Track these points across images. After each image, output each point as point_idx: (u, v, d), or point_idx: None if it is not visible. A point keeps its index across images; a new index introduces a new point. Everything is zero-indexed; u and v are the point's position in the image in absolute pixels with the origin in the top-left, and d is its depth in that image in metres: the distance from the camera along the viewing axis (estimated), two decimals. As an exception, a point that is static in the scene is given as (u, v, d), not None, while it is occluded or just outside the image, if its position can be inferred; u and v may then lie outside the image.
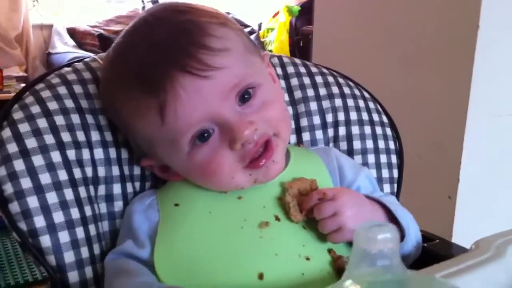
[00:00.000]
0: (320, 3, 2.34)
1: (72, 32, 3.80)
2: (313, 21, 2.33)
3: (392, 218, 0.84)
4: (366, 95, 1.10)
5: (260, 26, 3.77)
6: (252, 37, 3.54)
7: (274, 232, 0.79)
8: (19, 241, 0.82)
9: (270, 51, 3.54)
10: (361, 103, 1.08)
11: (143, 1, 3.97)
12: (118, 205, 0.90)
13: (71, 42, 3.82)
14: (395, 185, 1.05)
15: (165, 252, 0.79)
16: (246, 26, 3.74)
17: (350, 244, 0.80)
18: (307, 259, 0.78)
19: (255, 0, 3.92)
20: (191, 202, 0.84)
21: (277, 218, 0.81)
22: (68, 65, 0.95)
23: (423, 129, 1.98)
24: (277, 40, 3.32)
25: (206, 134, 0.79)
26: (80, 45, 3.78)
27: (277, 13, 3.65)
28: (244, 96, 0.80)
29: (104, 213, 0.88)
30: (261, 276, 0.75)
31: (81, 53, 3.73)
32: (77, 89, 0.89)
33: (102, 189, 0.88)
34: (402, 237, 0.82)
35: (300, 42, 3.35)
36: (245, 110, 0.80)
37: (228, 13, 3.83)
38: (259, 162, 0.80)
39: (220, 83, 0.77)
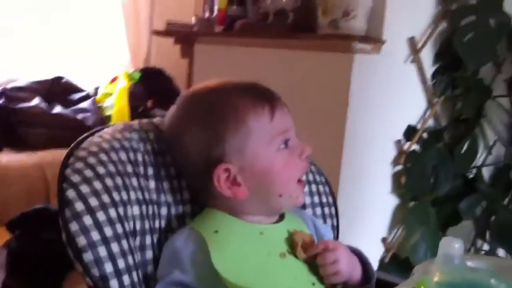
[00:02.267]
0: (199, 67, 2.63)
1: None
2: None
3: (361, 261, 1.11)
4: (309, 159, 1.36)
5: (96, 90, 3.91)
6: (89, 102, 3.66)
7: (290, 262, 1.04)
8: (91, 285, 0.96)
9: (109, 116, 3.69)
10: None
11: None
12: (149, 254, 1.05)
13: None
14: (336, 231, 1.35)
15: (221, 261, 0.98)
16: (81, 90, 3.84)
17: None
18: (313, 284, 1.03)
19: (90, 65, 4.04)
20: (227, 230, 1.04)
21: (288, 252, 1.05)
22: (92, 134, 1.12)
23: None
24: (117, 105, 3.49)
25: (288, 144, 1.08)
26: None
27: (115, 78, 3.84)
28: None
29: (139, 260, 1.03)
30: None
31: None
32: (113, 156, 1.06)
33: (137, 240, 1.04)
34: (370, 276, 1.10)
35: (139, 107, 3.59)
36: None
37: (61, 78, 3.92)
38: (302, 183, 1.10)
39: (291, 119, 1.11)
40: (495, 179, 2.66)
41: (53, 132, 3.44)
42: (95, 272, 0.95)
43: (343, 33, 2.24)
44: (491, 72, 2.67)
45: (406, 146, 2.40)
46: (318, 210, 1.31)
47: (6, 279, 2.30)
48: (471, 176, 2.56)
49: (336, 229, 1.34)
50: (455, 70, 2.47)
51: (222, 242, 1.02)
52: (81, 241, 0.95)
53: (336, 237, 1.33)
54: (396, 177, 2.41)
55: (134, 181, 1.06)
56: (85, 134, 1.12)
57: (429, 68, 2.47)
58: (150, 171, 1.11)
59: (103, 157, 1.04)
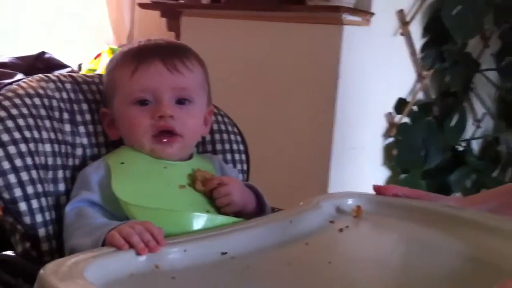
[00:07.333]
0: (186, 40, 2.58)
1: None
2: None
3: (256, 196, 1.24)
4: (222, 112, 1.48)
5: (80, 67, 3.86)
6: (72, 77, 3.60)
7: (188, 192, 1.16)
8: (2, 206, 1.11)
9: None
10: (219, 118, 1.45)
11: None
12: (61, 186, 1.20)
13: None
14: (246, 175, 1.46)
15: (120, 185, 1.12)
16: (65, 66, 3.79)
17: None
18: (207, 211, 1.14)
19: (72, 41, 3.99)
20: (132, 162, 1.18)
21: (189, 185, 1.17)
22: (10, 83, 1.23)
23: (291, 161, 2.36)
24: (102, 81, 3.45)
25: (146, 102, 1.17)
26: None
27: (98, 55, 3.80)
28: (181, 100, 1.19)
29: (51, 191, 1.18)
30: None
31: None
32: (27, 100, 1.19)
33: (50, 174, 1.19)
34: (264, 208, 1.24)
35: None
36: (176, 107, 1.18)
37: (44, 53, 3.87)
38: (161, 138, 1.17)
39: (176, 80, 1.19)
40: (484, 152, 2.68)
41: (37, 109, 3.39)
42: (6, 195, 1.10)
43: (332, 5, 2.23)
44: (479, 46, 2.68)
45: (396, 118, 2.40)
46: (229, 156, 1.43)
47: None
48: (460, 149, 2.58)
49: (246, 173, 1.46)
50: (443, 43, 2.48)
51: (125, 171, 1.16)
52: None
53: (246, 180, 1.43)
54: (387, 149, 2.42)
55: (47, 123, 1.21)
56: (4, 83, 1.24)
57: (418, 41, 2.48)
58: (66, 116, 1.25)
59: (17, 101, 1.18)
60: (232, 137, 1.45)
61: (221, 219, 1.10)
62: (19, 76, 3.52)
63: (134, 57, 1.20)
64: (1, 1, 3.73)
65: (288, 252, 1.00)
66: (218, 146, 1.42)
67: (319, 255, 0.99)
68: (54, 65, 3.81)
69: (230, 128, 1.46)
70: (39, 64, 3.78)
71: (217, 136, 1.43)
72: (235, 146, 1.45)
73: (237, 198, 1.18)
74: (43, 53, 3.85)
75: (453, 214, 1.12)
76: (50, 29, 3.84)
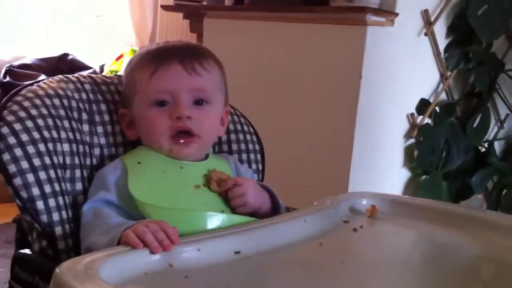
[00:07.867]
0: (208, 42, 2.63)
1: None
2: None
3: (271, 197, 1.25)
4: (238, 112, 1.49)
5: (102, 68, 3.90)
6: (95, 78, 3.62)
7: (203, 192, 1.18)
8: (20, 205, 1.12)
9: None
10: (235, 118, 1.47)
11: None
12: (79, 185, 1.22)
13: None
14: (261, 175, 1.48)
15: (136, 185, 1.14)
16: (88, 67, 3.82)
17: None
18: (222, 211, 1.15)
19: (94, 42, 4.02)
20: (150, 162, 1.20)
21: (204, 185, 1.19)
22: (31, 84, 1.24)
23: (312, 161, 2.35)
24: (124, 82, 3.47)
25: (164, 103, 1.19)
26: None
27: (120, 56, 3.83)
28: (198, 101, 1.21)
29: (69, 190, 1.20)
30: None
31: None
32: (47, 101, 1.21)
33: (68, 173, 1.20)
34: (279, 208, 1.25)
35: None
36: (193, 108, 1.20)
37: (67, 55, 3.91)
38: (179, 139, 1.19)
39: (193, 81, 1.21)
40: (506, 153, 2.65)
41: (60, 109, 3.41)
42: (24, 194, 1.12)
43: (356, 6, 2.22)
44: (504, 46, 2.65)
45: (418, 119, 2.38)
46: (244, 156, 1.45)
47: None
48: (483, 150, 2.55)
49: (261, 172, 1.48)
50: (468, 44, 2.45)
51: (141, 171, 1.18)
52: (12, 168, 1.12)
53: (261, 180, 1.46)
54: (408, 150, 2.40)
55: (66, 123, 1.22)
56: (26, 83, 1.26)
57: (442, 41, 2.45)
58: (84, 116, 1.26)
59: (37, 101, 1.19)
60: (248, 137, 1.47)
61: (235, 218, 1.11)
62: (43, 77, 3.53)
63: (153, 59, 1.22)
64: (1, 1, 3.80)
65: (301, 251, 1.00)
66: (234, 146, 1.44)
67: (333, 255, 1.00)
68: (77, 66, 3.84)
69: (245, 128, 1.48)
70: (62, 65, 3.82)
71: (233, 136, 1.45)
72: (250, 146, 1.47)
73: (252, 198, 1.19)
74: (66, 54, 3.88)
75: (469, 214, 1.13)
76: (72, 30, 3.88)
